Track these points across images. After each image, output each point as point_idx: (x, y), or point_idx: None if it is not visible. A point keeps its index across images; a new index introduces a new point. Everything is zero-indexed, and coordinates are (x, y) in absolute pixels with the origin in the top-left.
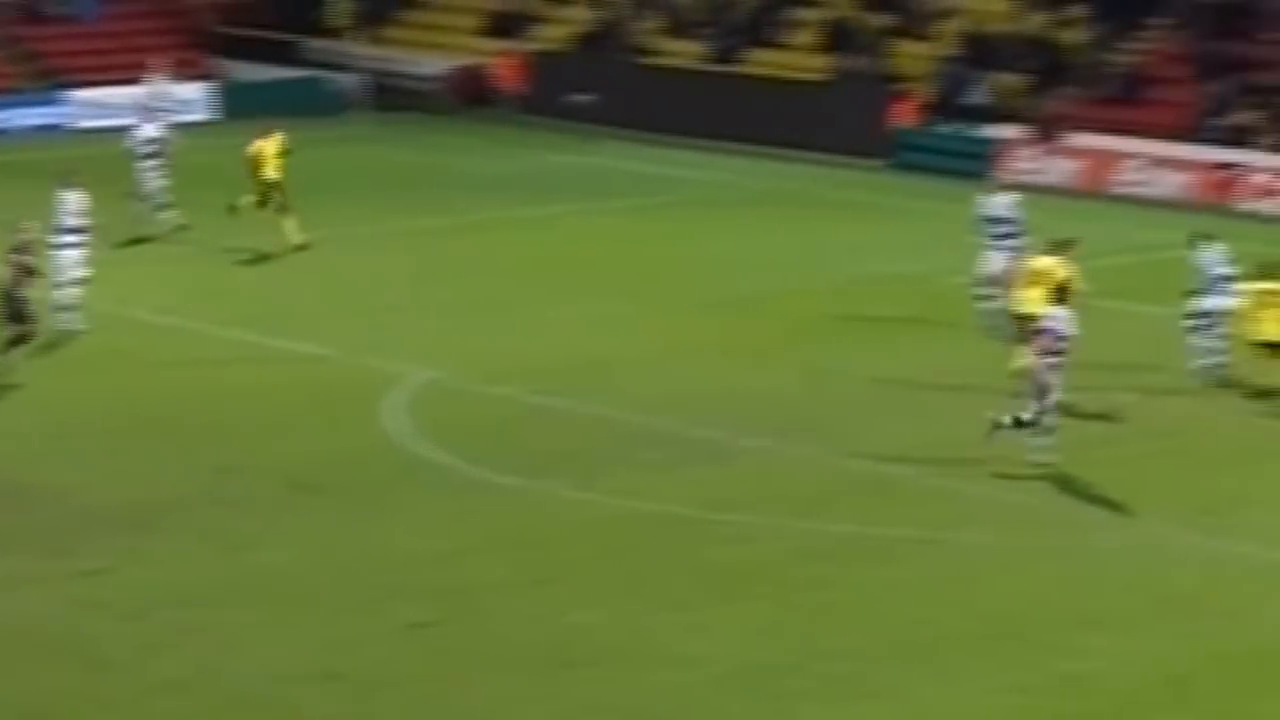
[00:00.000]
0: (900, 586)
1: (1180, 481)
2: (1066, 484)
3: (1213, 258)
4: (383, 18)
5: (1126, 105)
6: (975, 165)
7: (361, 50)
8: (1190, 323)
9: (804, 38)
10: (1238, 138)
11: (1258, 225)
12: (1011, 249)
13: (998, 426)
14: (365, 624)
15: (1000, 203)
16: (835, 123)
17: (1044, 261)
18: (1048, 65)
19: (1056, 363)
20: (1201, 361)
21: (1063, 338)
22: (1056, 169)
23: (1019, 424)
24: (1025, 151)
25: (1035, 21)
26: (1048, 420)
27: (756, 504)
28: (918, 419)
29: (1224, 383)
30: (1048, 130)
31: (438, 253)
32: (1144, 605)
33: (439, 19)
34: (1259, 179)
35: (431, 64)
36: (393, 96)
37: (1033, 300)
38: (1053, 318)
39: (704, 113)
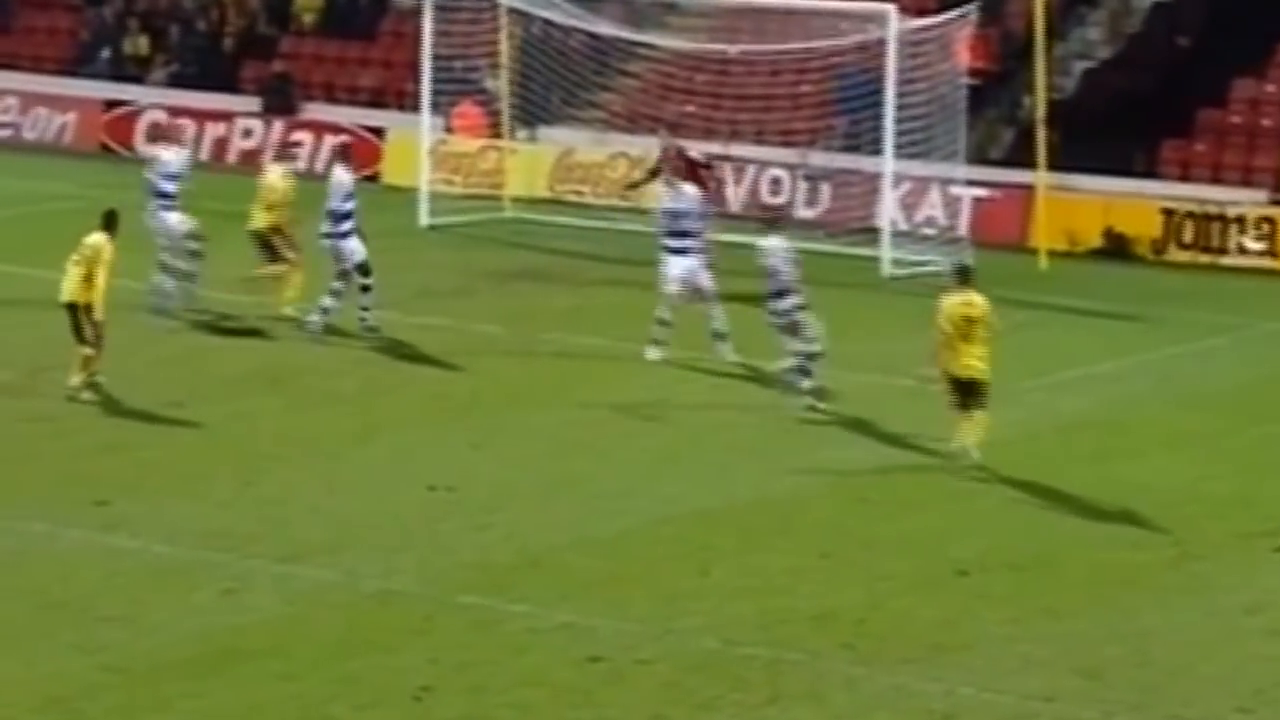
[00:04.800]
0: None
1: (65, 468)
2: None
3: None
4: None
5: None
6: None
7: None
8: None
9: None
10: (130, 70)
11: None
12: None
13: (784, 382)
14: None
15: (173, 159)
16: None
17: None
18: None
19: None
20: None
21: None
22: None
23: (800, 370)
24: None
25: None
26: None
27: None
28: None
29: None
30: None
31: None
32: (28, 615)
33: None
34: (154, 117)
35: None
36: None
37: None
38: (770, 253)
39: None
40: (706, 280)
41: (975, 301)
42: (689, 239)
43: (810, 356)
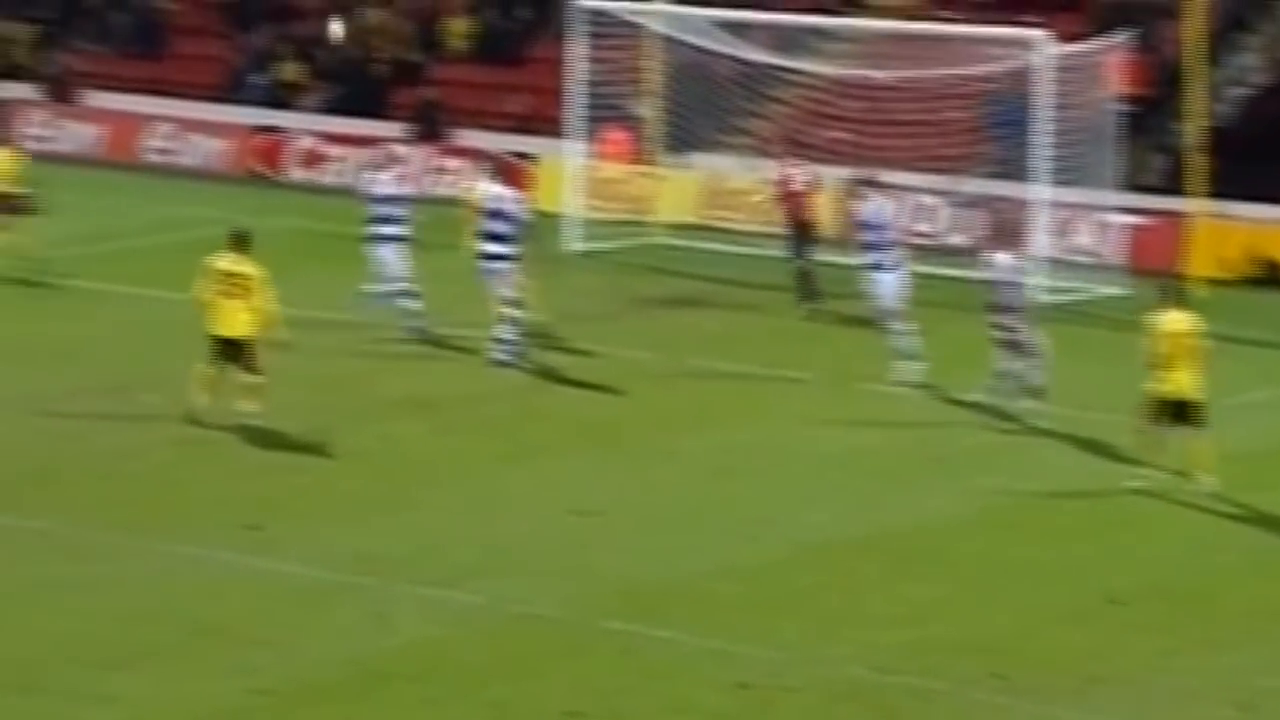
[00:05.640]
0: None
1: (216, 492)
2: (139, 507)
3: None
4: None
5: (153, 61)
6: None
7: None
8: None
9: None
10: (281, 97)
11: (305, 196)
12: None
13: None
14: None
15: (384, 180)
16: None
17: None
18: (59, 14)
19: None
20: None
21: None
22: (75, 135)
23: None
24: (38, 114)
25: None
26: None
27: None
28: None
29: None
30: (63, 89)
31: None
32: (179, 638)
33: None
34: (304, 144)
35: None
36: None
37: None
38: (999, 268)
39: None
40: (893, 298)
41: (1182, 320)
42: (885, 251)
43: (1022, 376)
